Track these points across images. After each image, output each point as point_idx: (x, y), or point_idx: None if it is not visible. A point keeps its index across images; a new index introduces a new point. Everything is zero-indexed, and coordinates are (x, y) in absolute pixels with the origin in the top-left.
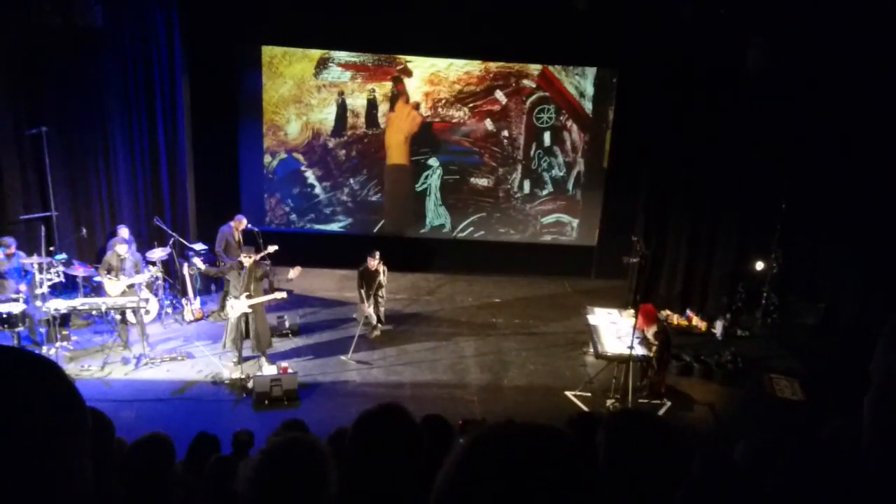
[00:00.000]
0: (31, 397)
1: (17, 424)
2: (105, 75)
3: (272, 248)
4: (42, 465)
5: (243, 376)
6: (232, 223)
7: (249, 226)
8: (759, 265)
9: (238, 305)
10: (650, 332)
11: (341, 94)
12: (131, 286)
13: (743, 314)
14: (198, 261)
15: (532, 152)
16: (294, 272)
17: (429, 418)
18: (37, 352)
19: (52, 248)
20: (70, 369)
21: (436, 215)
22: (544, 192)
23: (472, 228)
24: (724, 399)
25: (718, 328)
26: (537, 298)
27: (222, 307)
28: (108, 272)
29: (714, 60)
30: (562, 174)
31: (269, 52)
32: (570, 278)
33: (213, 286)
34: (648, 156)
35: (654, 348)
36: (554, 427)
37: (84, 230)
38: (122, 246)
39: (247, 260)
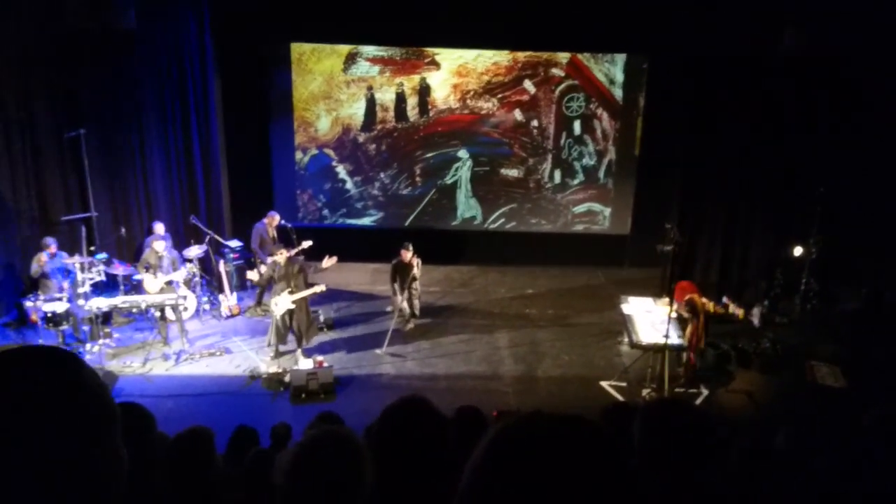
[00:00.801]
0: (53, 390)
1: (43, 418)
2: (140, 77)
3: (306, 244)
4: (69, 455)
5: (280, 370)
6: (265, 220)
7: (283, 221)
8: (798, 250)
9: (282, 302)
10: (683, 305)
11: (370, 88)
12: (169, 283)
13: (781, 300)
14: (252, 274)
15: (562, 141)
16: (327, 261)
17: (462, 410)
18: (71, 349)
19: (92, 248)
20: (112, 366)
21: (467, 207)
22: (575, 182)
23: (503, 220)
24: (762, 387)
25: (756, 315)
26: (570, 289)
27: (258, 302)
28: (147, 269)
29: (748, 43)
30: (593, 163)
31: (297, 49)
32: (603, 268)
33: (248, 282)
34: (681, 142)
35: (688, 328)
36: (581, 416)
37: (123, 229)
38: (160, 243)
39: (280, 257)
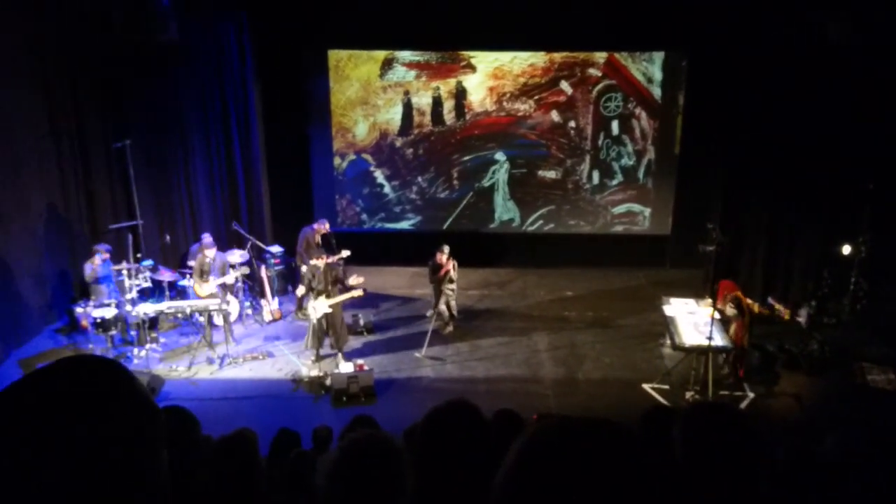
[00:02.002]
0: (97, 397)
1: (87, 424)
2: (182, 87)
3: (345, 253)
4: (113, 459)
5: (321, 374)
6: (315, 225)
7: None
8: (846, 249)
9: (319, 306)
10: (728, 301)
11: (407, 93)
12: (222, 285)
13: (829, 301)
14: (301, 290)
15: (600, 142)
16: (355, 280)
17: (501, 413)
18: (120, 353)
19: (139, 255)
20: (159, 370)
21: (504, 210)
22: (614, 182)
23: (541, 221)
24: (811, 390)
25: (803, 316)
26: (611, 291)
27: (300, 307)
28: (200, 275)
29: (790, 35)
30: (632, 163)
31: (335, 55)
32: (643, 269)
33: (289, 287)
34: (723, 139)
35: (732, 326)
36: (613, 421)
37: (168, 237)
38: (212, 249)
39: (320, 262)
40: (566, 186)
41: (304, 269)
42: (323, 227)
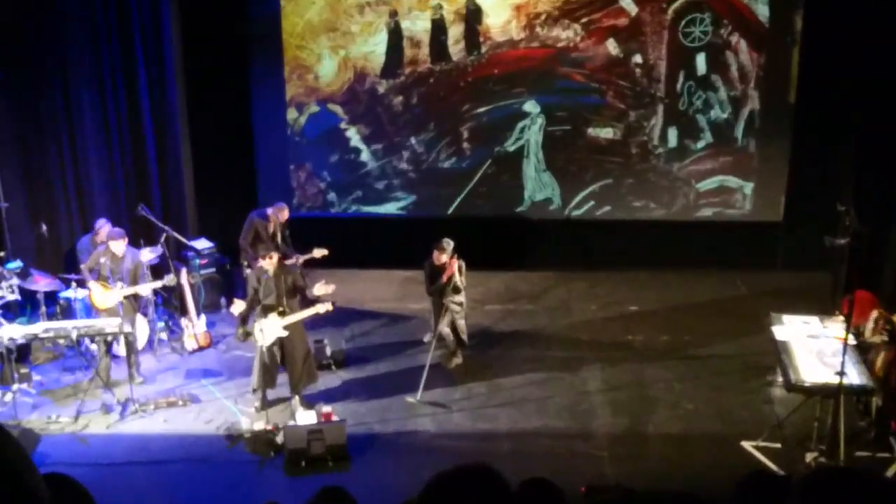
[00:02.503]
0: None
1: None
2: (64, 20)
3: (318, 253)
4: None
5: (270, 427)
6: (269, 210)
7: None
8: None
9: (269, 328)
10: (868, 324)
11: (393, 15)
12: (131, 297)
13: None
14: (236, 306)
15: (679, 85)
16: (321, 288)
17: (532, 483)
18: None
19: (1, 254)
20: (32, 421)
21: (538, 185)
22: (700, 145)
23: (592, 203)
24: None
25: None
26: (694, 304)
27: (241, 328)
28: (97, 276)
29: None
30: (725, 116)
31: None
32: (743, 271)
33: (223, 300)
34: (860, 82)
35: (879, 357)
36: (696, 497)
37: (44, 226)
38: (119, 242)
39: (268, 262)
40: (629, 151)
41: (248, 272)
42: (280, 214)
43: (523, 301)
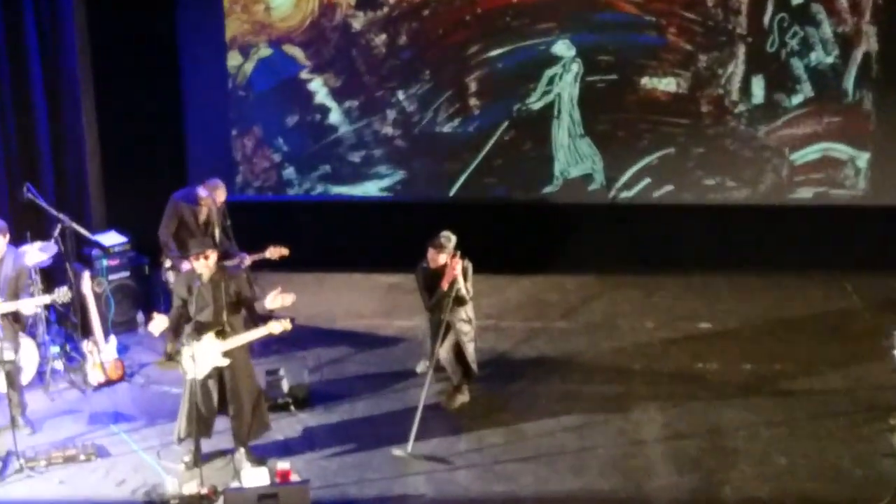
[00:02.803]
0: None
1: None
2: None
3: (275, 252)
4: None
5: (205, 490)
6: (201, 190)
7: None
8: None
9: (203, 354)
10: None
11: None
12: (10, 316)
13: None
14: (156, 324)
15: (767, 18)
16: (275, 299)
17: None
18: None
19: None
20: None
21: (573, 157)
22: (795, 101)
23: (647, 181)
24: None
25: None
26: (788, 319)
27: (172, 346)
28: None
29: None
30: (830, 61)
31: None
32: (854, 274)
33: (140, 314)
34: None
35: None
36: None
37: None
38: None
39: (202, 265)
40: (697, 109)
41: (170, 276)
42: (214, 195)
43: (553, 316)
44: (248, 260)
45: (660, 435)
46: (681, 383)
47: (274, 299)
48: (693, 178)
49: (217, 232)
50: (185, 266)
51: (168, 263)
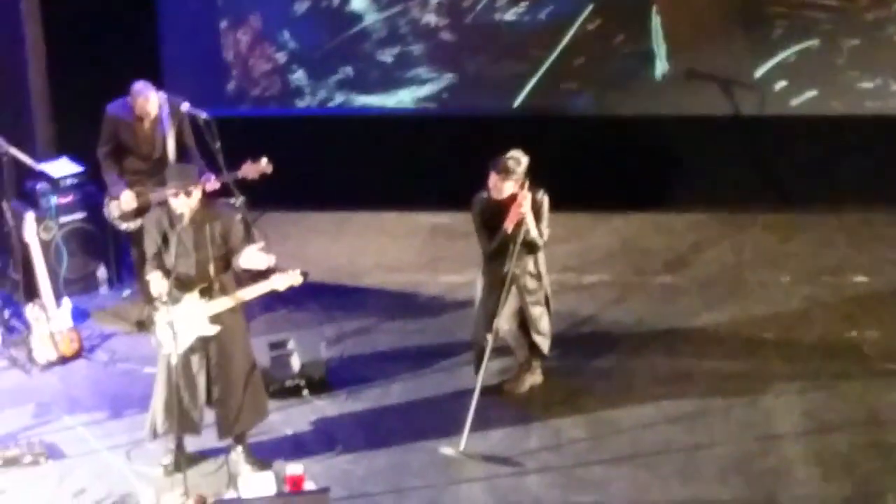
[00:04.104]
0: None
1: None
2: None
3: (253, 169)
4: None
5: (191, 502)
6: (140, 97)
7: (189, 107)
8: None
9: (183, 321)
10: None
11: None
12: None
13: None
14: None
15: None
16: (253, 256)
17: None
18: None
19: None
20: None
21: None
22: None
23: (782, 83)
24: None
25: None
26: None
27: (143, 322)
28: None
29: None
30: None
31: None
32: None
33: (102, 270)
34: None
35: None
36: None
37: None
38: None
39: (182, 203)
40: None
41: (113, 209)
42: (138, 104)
43: (655, 268)
44: (213, 181)
45: (799, 427)
46: (828, 358)
47: (250, 256)
48: (844, 80)
49: (170, 149)
50: (126, 196)
51: (108, 199)
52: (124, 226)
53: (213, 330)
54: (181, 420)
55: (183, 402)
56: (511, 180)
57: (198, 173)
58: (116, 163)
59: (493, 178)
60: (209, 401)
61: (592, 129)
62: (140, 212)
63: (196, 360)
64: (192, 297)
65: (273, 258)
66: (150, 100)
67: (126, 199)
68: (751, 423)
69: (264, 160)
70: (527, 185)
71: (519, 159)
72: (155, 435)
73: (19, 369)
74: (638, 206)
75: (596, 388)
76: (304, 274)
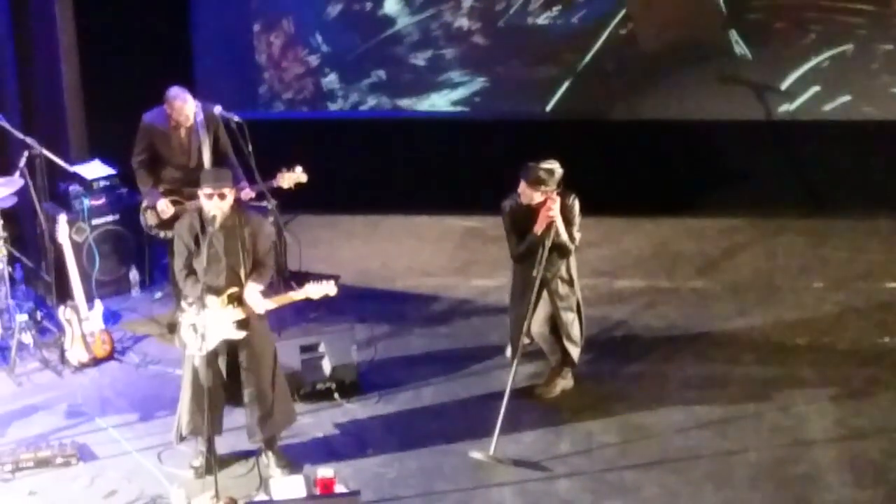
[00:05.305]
0: None
1: None
2: None
3: (289, 178)
4: None
5: (221, 502)
6: (177, 100)
7: (221, 110)
8: None
9: (210, 325)
10: None
11: None
12: None
13: None
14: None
15: None
16: (256, 296)
17: None
18: None
19: None
20: None
21: None
22: None
23: (815, 89)
24: None
25: None
26: None
27: (174, 323)
28: None
29: None
30: None
31: None
32: None
33: (134, 273)
34: None
35: None
36: None
37: None
38: None
39: (215, 206)
40: None
41: (150, 218)
42: (175, 110)
43: (687, 273)
44: (247, 190)
45: (831, 433)
46: (860, 364)
47: (251, 293)
48: (878, 85)
49: (205, 158)
50: (162, 205)
51: (144, 205)
52: (161, 234)
53: (240, 335)
54: (210, 422)
55: (211, 401)
56: (543, 186)
57: (233, 179)
58: (151, 173)
59: (523, 185)
60: (238, 403)
61: (624, 134)
62: (176, 220)
63: (221, 363)
64: (220, 301)
65: (270, 304)
66: (187, 102)
67: (162, 208)
68: (783, 429)
69: (299, 169)
70: (560, 189)
71: (552, 170)
72: (181, 437)
73: (51, 371)
74: (670, 211)
75: (627, 393)
76: (336, 280)
